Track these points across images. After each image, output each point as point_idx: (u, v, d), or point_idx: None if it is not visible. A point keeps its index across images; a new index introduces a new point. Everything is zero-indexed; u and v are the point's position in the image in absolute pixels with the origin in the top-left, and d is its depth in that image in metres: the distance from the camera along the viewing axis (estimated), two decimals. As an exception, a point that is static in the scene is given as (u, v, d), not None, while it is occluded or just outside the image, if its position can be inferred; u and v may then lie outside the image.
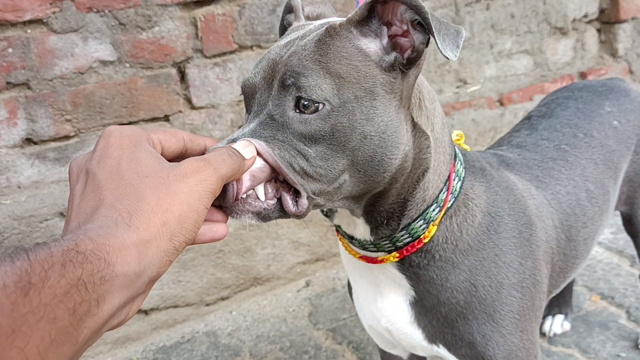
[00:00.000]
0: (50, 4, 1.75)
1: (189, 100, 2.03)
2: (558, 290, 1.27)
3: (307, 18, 1.03)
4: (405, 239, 0.96)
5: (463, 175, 1.01)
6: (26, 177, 1.85)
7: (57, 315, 0.51)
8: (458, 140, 1.10)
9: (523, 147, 1.30)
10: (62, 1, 1.76)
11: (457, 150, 1.03)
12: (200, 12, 1.97)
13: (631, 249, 2.14)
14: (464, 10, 2.47)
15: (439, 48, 0.78)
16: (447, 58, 0.79)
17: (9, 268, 0.50)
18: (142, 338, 2.12)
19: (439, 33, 0.78)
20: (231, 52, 2.06)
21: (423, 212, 0.95)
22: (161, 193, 0.63)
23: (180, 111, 2.02)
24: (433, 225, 0.96)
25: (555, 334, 1.88)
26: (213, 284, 2.19)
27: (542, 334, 1.89)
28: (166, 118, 2.01)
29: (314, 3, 1.07)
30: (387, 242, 0.97)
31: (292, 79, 0.80)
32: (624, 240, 2.26)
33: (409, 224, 0.95)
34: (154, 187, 0.64)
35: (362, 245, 1.00)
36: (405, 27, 0.84)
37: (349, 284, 1.23)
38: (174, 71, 1.98)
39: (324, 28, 0.85)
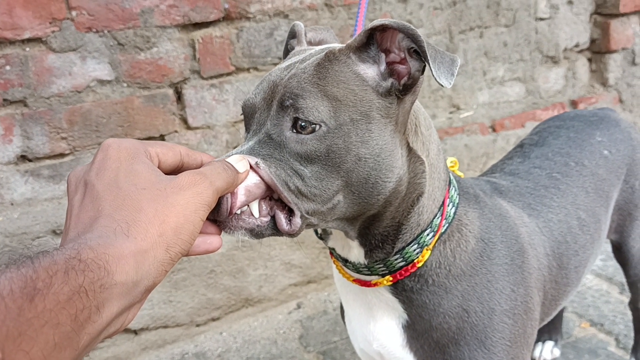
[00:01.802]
0: (50, 23, 1.77)
1: (184, 121, 2.04)
2: (550, 318, 1.27)
3: (310, 43, 1.05)
4: (399, 262, 0.97)
5: (457, 201, 1.02)
6: (19, 194, 1.85)
7: (60, 321, 0.52)
8: (452, 167, 1.11)
9: (516, 175, 1.31)
10: (62, 20, 1.78)
11: (452, 177, 1.04)
12: (198, 34, 1.99)
13: (620, 276, 2.15)
14: (457, 37, 2.51)
15: (433, 75, 0.80)
16: (442, 85, 0.81)
17: (14, 274, 0.52)
18: (131, 358, 2.10)
19: (434, 61, 0.80)
20: (228, 74, 2.08)
21: (417, 236, 0.95)
22: (158, 205, 0.64)
23: (175, 131, 2.03)
24: (427, 249, 0.97)
25: (545, 361, 1.89)
26: (204, 305, 2.18)
27: (533, 361, 1.90)
28: (162, 137, 2.01)
29: (316, 29, 1.09)
30: (381, 265, 0.97)
31: (291, 100, 0.82)
32: (614, 267, 2.27)
33: (403, 248, 0.95)
34: (151, 198, 0.65)
35: (356, 268, 1.00)
36: (402, 55, 0.85)
37: (341, 307, 1.24)
38: (170, 91, 2.00)
39: (323, 53, 0.87)
